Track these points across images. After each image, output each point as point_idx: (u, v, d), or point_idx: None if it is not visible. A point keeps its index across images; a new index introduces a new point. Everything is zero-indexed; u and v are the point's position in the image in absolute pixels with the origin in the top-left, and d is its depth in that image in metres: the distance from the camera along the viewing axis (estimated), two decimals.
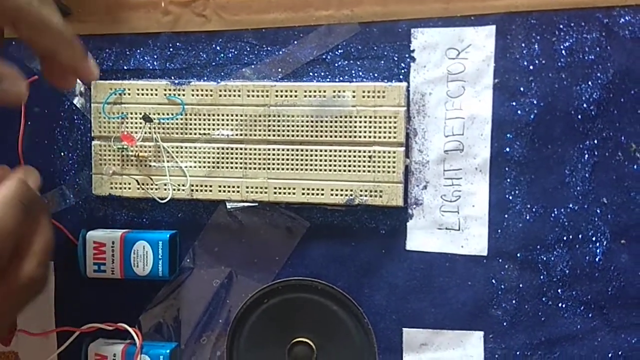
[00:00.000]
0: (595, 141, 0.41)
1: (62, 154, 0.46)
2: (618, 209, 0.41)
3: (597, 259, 0.41)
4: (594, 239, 0.41)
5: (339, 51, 0.43)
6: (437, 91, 0.42)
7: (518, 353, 0.43)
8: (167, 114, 0.44)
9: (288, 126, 0.43)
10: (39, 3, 0.33)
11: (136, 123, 0.44)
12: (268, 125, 0.43)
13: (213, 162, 0.44)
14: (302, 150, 0.43)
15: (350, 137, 0.42)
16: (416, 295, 0.43)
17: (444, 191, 0.43)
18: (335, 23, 0.43)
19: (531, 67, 0.41)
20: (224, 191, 0.44)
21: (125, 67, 0.45)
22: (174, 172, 0.44)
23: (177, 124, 0.44)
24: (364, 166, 0.42)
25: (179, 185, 0.44)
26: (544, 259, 0.42)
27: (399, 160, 0.42)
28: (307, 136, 0.43)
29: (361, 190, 0.42)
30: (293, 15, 0.43)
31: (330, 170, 0.42)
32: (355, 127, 0.42)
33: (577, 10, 0.40)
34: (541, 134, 0.41)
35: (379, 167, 0.42)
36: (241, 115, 0.43)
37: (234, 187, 0.44)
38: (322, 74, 0.43)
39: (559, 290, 0.42)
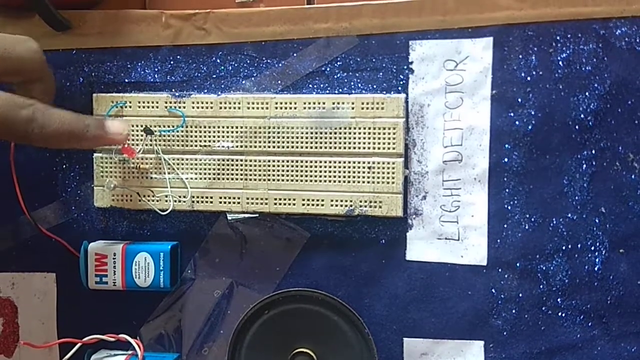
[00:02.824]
0: (593, 151, 0.41)
1: (64, 166, 0.46)
2: (616, 219, 0.41)
3: (596, 269, 0.42)
4: (592, 248, 0.42)
5: (338, 63, 0.43)
6: (435, 102, 0.42)
7: None
8: (168, 126, 0.44)
9: (288, 138, 0.43)
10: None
11: (137, 135, 0.44)
12: (268, 136, 0.43)
13: (214, 174, 0.44)
14: (302, 162, 0.43)
15: (349, 148, 0.42)
16: (416, 305, 0.44)
17: (443, 201, 0.43)
18: (334, 35, 0.43)
19: (529, 79, 0.41)
20: (225, 202, 0.44)
21: (126, 80, 0.45)
22: (174, 183, 0.44)
23: (178, 136, 0.44)
24: (364, 177, 0.42)
25: (179, 196, 0.44)
26: (544, 268, 0.42)
27: (398, 171, 0.42)
28: (306, 147, 0.43)
29: (361, 201, 0.42)
30: (292, 28, 0.43)
31: (330, 181, 0.43)
32: (355, 138, 0.42)
33: (574, 21, 0.41)
34: (539, 145, 0.41)
35: (378, 177, 0.42)
36: (241, 127, 0.43)
37: (234, 198, 0.44)
38: (321, 86, 0.43)
39: (559, 300, 0.42)
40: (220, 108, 0.44)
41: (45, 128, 0.37)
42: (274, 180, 0.43)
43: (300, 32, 0.43)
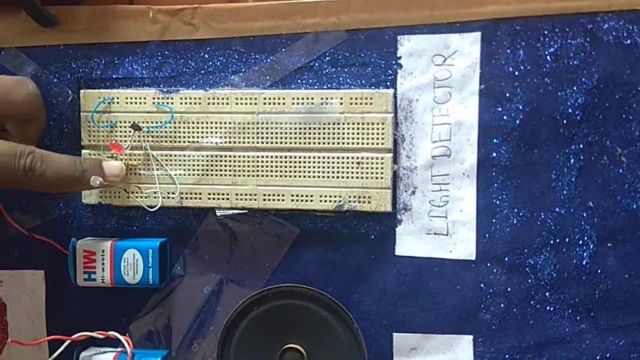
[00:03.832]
0: (581, 145, 0.41)
1: None
2: (604, 213, 0.41)
3: (584, 263, 0.42)
4: (580, 242, 0.42)
5: (327, 58, 0.43)
6: (424, 97, 0.42)
7: (507, 356, 0.43)
8: (156, 122, 0.44)
9: (276, 133, 0.43)
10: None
11: (125, 132, 0.44)
12: (257, 132, 0.43)
13: (202, 170, 0.44)
14: (290, 157, 0.43)
15: (338, 143, 0.42)
16: (406, 300, 0.44)
17: (432, 196, 0.43)
18: (323, 31, 0.43)
19: (516, 73, 0.41)
20: (214, 199, 0.44)
21: (114, 76, 0.45)
22: (163, 180, 0.44)
23: (166, 132, 0.44)
24: (353, 172, 0.42)
25: (168, 193, 0.44)
26: (532, 262, 0.42)
27: (387, 166, 0.42)
28: (295, 143, 0.43)
29: (350, 197, 0.42)
30: (281, 23, 0.43)
31: (319, 177, 0.43)
32: (343, 133, 0.42)
33: (561, 16, 0.41)
34: (527, 139, 0.42)
35: (367, 173, 0.42)
36: (230, 123, 0.43)
37: (223, 194, 0.44)
38: (310, 81, 0.43)
39: (547, 294, 0.42)
40: (209, 104, 0.43)
41: (44, 176, 0.38)
42: (262, 176, 0.43)
43: (289, 27, 0.43)
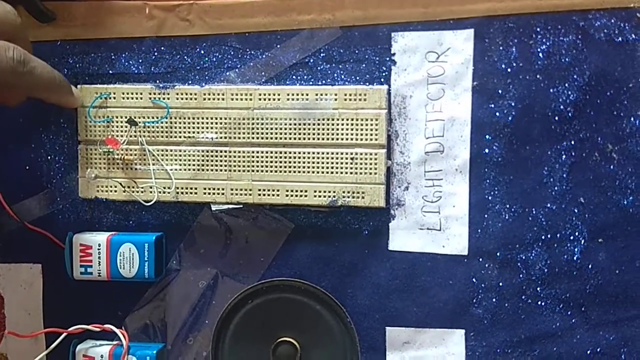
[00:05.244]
0: (573, 142, 0.42)
1: (49, 157, 0.46)
2: (595, 209, 0.42)
3: (575, 258, 0.42)
4: (572, 238, 0.42)
5: (321, 55, 0.43)
6: (417, 94, 0.43)
7: (499, 350, 0.43)
8: (152, 118, 0.44)
9: (271, 129, 0.43)
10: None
11: (121, 127, 0.44)
12: (252, 128, 0.43)
13: (198, 165, 0.44)
14: (285, 153, 0.43)
15: (332, 139, 0.43)
16: (399, 295, 0.44)
17: (425, 192, 0.43)
18: (317, 27, 0.43)
19: (509, 70, 0.42)
20: (209, 193, 0.44)
21: (110, 72, 0.45)
22: (159, 174, 0.44)
23: (162, 127, 0.44)
24: (347, 168, 0.43)
25: (164, 187, 0.44)
26: (523, 258, 0.43)
27: (380, 161, 0.42)
28: (290, 139, 0.43)
29: (344, 192, 0.43)
30: (276, 19, 0.44)
31: (313, 172, 0.43)
32: (338, 129, 0.43)
33: (553, 13, 0.41)
34: (519, 136, 0.42)
35: (361, 168, 0.43)
36: (225, 118, 0.44)
37: (218, 189, 0.44)
38: (305, 77, 0.44)
39: (538, 289, 0.43)
40: (204, 99, 0.44)
41: (34, 72, 0.38)
42: (257, 171, 0.44)
43: (284, 23, 0.43)
